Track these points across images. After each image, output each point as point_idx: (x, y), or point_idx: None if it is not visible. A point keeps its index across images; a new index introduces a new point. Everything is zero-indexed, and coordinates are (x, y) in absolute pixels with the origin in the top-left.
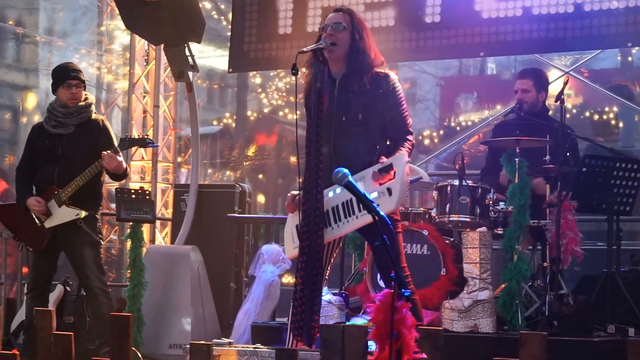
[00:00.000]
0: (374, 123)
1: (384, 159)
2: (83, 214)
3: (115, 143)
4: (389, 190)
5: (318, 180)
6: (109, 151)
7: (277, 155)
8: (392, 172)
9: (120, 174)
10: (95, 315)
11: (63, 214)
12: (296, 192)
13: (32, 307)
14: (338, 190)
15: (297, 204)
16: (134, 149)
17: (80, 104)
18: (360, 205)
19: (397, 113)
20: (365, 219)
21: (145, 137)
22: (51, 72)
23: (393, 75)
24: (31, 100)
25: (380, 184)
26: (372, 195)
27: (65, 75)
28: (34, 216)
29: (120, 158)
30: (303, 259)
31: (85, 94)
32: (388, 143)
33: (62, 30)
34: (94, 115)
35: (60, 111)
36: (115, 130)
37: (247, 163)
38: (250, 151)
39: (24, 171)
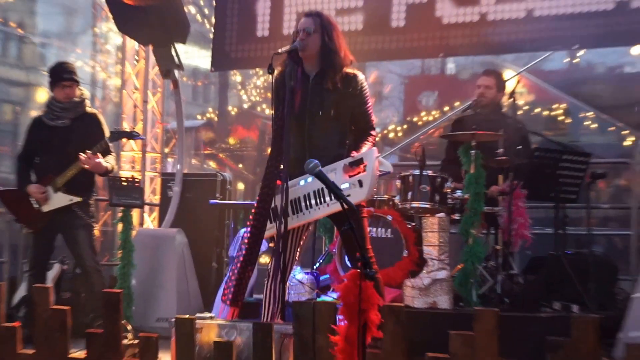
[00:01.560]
0: (344, 118)
1: (354, 154)
2: (76, 199)
3: (107, 135)
4: (360, 182)
5: (286, 170)
6: (88, 152)
7: (256, 147)
8: (362, 166)
9: (101, 173)
10: (89, 291)
11: (59, 200)
12: None
13: (32, 283)
14: (309, 179)
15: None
16: (124, 140)
17: (75, 99)
18: (332, 194)
19: (364, 110)
20: (336, 206)
21: (133, 130)
22: (48, 70)
23: (361, 76)
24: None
25: (351, 176)
26: (344, 186)
27: (59, 77)
28: (32, 201)
29: (99, 159)
30: (252, 233)
31: (80, 90)
32: (354, 136)
33: (60, 32)
34: (88, 109)
35: (58, 106)
36: (108, 123)
37: (227, 153)
38: (231, 143)
39: (24, 159)
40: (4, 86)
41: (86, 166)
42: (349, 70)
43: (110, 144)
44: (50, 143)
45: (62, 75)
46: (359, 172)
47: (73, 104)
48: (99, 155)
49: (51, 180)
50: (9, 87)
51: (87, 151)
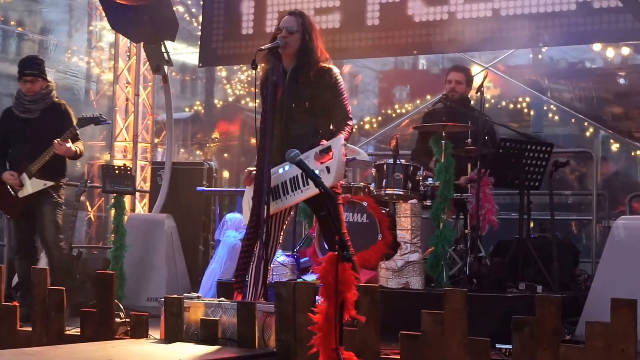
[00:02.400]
0: (318, 110)
1: (324, 142)
2: (50, 183)
3: (75, 123)
4: (328, 169)
5: (268, 159)
6: (58, 139)
7: (240, 137)
8: (330, 153)
9: (71, 157)
10: (50, 265)
11: (33, 185)
12: (252, 168)
13: (22, 266)
14: (287, 167)
15: (252, 179)
16: (117, 131)
17: (42, 91)
18: (304, 181)
19: (339, 102)
20: (308, 192)
21: (99, 116)
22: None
23: (335, 70)
24: None
25: (321, 163)
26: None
27: (21, 72)
28: (8, 188)
29: (69, 144)
30: (252, 224)
31: (48, 82)
32: (332, 127)
33: (57, 30)
34: (56, 100)
35: (25, 99)
36: (102, 115)
37: (214, 144)
38: (217, 134)
39: None
40: (4, 80)
41: (58, 151)
42: (323, 64)
43: (78, 130)
44: (23, 134)
45: (23, 70)
46: (328, 159)
47: (40, 96)
48: (69, 140)
49: (25, 167)
50: (8, 82)
51: (58, 139)
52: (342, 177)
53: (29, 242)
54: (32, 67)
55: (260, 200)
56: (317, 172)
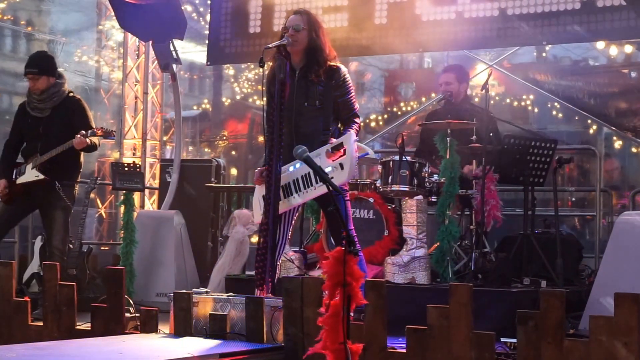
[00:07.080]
0: (328, 108)
1: (332, 140)
2: (41, 177)
3: (91, 120)
4: (341, 165)
5: (279, 157)
6: (82, 133)
7: (247, 135)
8: (342, 150)
9: (86, 150)
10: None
11: (28, 174)
12: (263, 168)
13: None
14: (298, 165)
15: (263, 178)
16: (126, 128)
17: (50, 89)
18: (317, 178)
19: (347, 100)
20: (322, 189)
21: (111, 131)
22: None
23: (343, 68)
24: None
25: (334, 160)
26: (327, 170)
27: (25, 72)
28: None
29: (88, 141)
30: (266, 221)
31: (56, 79)
32: (339, 124)
33: (67, 29)
34: (70, 95)
35: (35, 97)
36: (112, 112)
37: (222, 142)
38: (225, 131)
39: (10, 147)
40: (12, 79)
41: (77, 147)
42: (332, 63)
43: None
44: (35, 132)
45: (25, 69)
46: (340, 156)
47: (49, 95)
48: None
49: (35, 157)
50: (15, 80)
51: (82, 132)
52: (354, 172)
53: (3, 231)
54: (31, 66)
55: (270, 198)
56: (330, 168)
